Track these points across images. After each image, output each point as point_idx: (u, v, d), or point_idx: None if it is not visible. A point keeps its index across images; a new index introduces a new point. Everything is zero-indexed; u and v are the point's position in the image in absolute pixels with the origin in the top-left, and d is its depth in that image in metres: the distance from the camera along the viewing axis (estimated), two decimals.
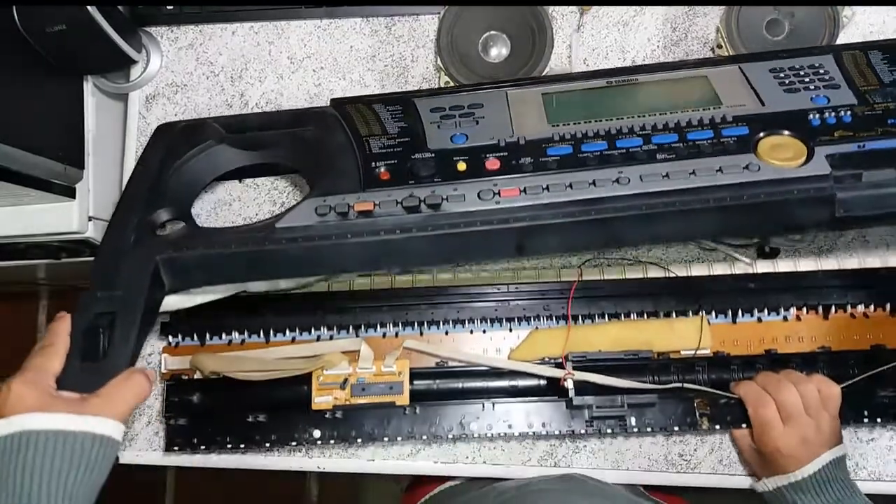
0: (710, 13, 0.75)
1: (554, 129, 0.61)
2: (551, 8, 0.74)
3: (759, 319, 0.70)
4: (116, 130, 0.81)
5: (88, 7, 0.65)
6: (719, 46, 0.71)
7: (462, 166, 0.59)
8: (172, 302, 0.61)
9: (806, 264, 0.70)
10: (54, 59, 0.69)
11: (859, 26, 0.73)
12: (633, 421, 0.67)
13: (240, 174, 0.73)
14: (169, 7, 0.76)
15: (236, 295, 0.68)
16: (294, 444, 0.68)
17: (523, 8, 0.71)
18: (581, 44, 0.75)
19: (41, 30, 0.66)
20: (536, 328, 0.70)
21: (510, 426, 0.67)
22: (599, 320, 0.69)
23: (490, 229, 0.55)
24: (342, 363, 0.66)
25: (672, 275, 0.71)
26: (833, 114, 0.59)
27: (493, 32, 0.72)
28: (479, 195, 0.57)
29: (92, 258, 0.89)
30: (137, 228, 0.59)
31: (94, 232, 0.83)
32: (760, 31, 0.70)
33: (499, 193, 0.56)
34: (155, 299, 0.57)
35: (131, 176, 0.65)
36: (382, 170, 0.59)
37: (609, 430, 0.67)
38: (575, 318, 0.69)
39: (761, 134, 0.58)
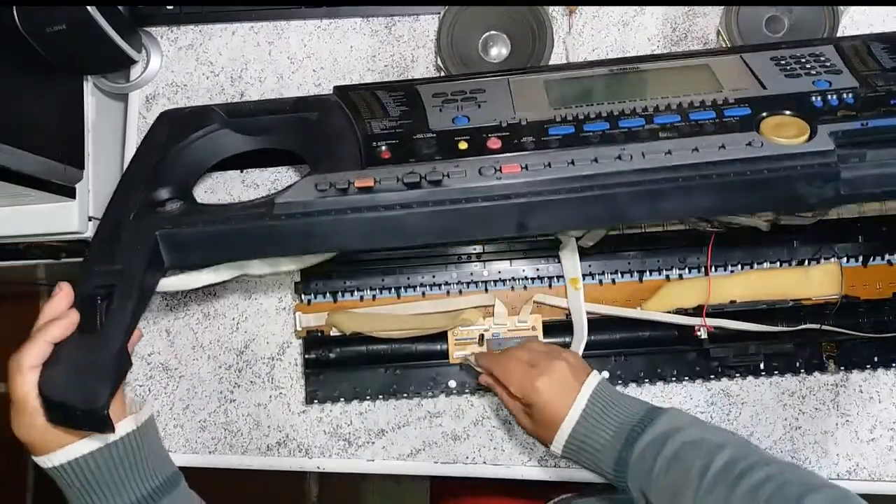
0: (710, 13, 0.75)
1: (556, 111, 0.60)
2: (551, 8, 0.74)
3: (890, 262, 0.70)
4: (116, 130, 0.81)
5: (88, 7, 0.65)
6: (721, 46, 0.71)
7: (463, 145, 0.59)
8: (170, 283, 0.59)
9: None
10: (54, 59, 0.69)
11: (859, 26, 0.73)
12: (761, 366, 0.69)
13: (242, 163, 0.73)
14: (169, 7, 0.76)
15: (366, 255, 0.70)
16: (431, 394, 0.71)
17: (523, 8, 0.71)
18: (574, 46, 0.75)
19: (41, 30, 0.65)
20: (668, 278, 0.70)
21: (642, 373, 0.70)
22: (732, 268, 0.70)
23: (491, 205, 0.55)
24: (479, 319, 0.69)
25: (805, 221, 0.69)
26: (835, 95, 0.58)
27: (493, 32, 0.72)
28: (480, 171, 0.56)
29: None
30: (138, 205, 0.58)
31: (93, 232, 0.83)
32: (760, 28, 0.70)
33: (500, 170, 0.56)
34: (154, 275, 0.56)
35: (134, 156, 0.64)
36: (383, 149, 0.59)
37: (738, 375, 0.69)
38: (705, 268, 0.70)
39: (763, 114, 0.58)
